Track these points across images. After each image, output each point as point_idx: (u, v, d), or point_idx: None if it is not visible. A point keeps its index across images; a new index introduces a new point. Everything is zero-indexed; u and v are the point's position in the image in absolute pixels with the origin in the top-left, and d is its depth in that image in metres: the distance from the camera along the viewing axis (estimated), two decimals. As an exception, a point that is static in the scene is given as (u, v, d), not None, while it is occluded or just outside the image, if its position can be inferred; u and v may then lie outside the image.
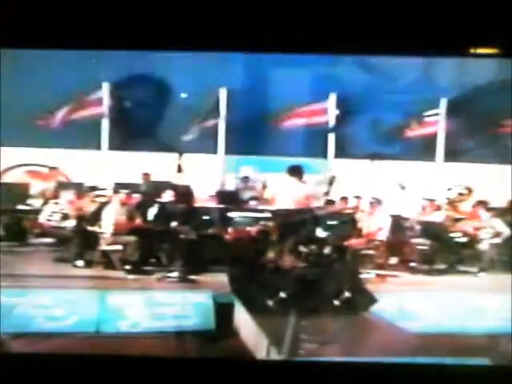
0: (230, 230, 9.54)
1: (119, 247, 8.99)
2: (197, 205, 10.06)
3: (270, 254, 8.71)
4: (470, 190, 10.85)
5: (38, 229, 9.41)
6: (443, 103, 12.49)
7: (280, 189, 8.81)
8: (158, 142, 11.35)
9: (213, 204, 10.21)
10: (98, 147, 12.45)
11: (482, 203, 10.35)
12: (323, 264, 9.20)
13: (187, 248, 8.98)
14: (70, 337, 6.65)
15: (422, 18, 5.81)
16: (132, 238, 8.98)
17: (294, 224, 8.78)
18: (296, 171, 8.71)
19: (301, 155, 11.38)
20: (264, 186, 11.19)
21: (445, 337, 6.83)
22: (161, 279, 8.48)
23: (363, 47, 6.16)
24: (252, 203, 10.40)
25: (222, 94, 12.52)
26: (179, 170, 9.26)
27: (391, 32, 5.92)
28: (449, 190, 11.03)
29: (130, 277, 8.59)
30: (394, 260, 9.64)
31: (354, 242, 9.52)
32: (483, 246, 9.80)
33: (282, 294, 6.80)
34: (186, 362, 5.81)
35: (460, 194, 10.84)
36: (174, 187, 9.71)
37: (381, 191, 10.36)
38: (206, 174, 11.60)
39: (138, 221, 9.38)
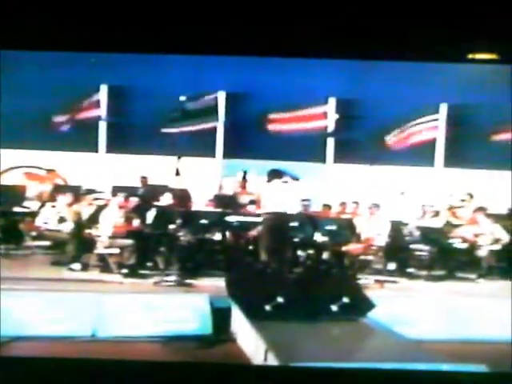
0: (227, 233, 9.52)
1: (116, 251, 8.94)
2: (194, 208, 10.03)
3: (266, 259, 8.67)
4: (471, 196, 10.84)
5: (34, 231, 9.36)
6: (443, 109, 12.49)
7: (264, 192, 8.86)
8: (156, 146, 11.34)
9: (210, 208, 10.17)
10: (96, 150, 12.43)
11: (481, 209, 10.33)
12: (321, 269, 9.18)
13: (184, 252, 8.95)
14: (66, 341, 6.61)
15: (421, 23, 5.81)
16: (129, 242, 8.95)
17: (285, 228, 8.79)
18: (275, 174, 8.77)
19: (299, 160, 11.37)
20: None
21: (442, 343, 6.80)
22: (158, 283, 8.44)
23: (363, 52, 6.16)
24: (250, 207, 10.37)
25: (221, 97, 12.51)
26: (177, 173, 9.22)
27: (391, 37, 5.92)
28: (450, 196, 11.02)
29: (127, 280, 8.56)
30: (392, 266, 9.60)
31: (352, 247, 9.50)
32: (482, 253, 9.78)
33: (280, 299, 6.75)
34: (183, 366, 5.78)
35: (462, 201, 10.83)
36: (171, 191, 9.68)
37: (380, 196, 10.35)
38: (203, 178, 11.58)
39: (136, 224, 9.34)
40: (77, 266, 8.87)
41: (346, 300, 6.94)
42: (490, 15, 5.80)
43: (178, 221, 8.89)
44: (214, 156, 12.60)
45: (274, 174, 8.84)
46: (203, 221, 9.30)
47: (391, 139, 12.33)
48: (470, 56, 6.16)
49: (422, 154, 12.42)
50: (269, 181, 8.84)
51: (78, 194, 10.27)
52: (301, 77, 11.10)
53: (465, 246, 9.90)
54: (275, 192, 8.74)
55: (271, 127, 12.30)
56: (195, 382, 5.32)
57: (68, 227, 9.28)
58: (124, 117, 12.45)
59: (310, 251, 9.59)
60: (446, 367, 5.49)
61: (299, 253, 9.50)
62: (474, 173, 11.97)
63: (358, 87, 11.76)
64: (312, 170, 12.06)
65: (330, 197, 11.36)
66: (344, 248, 9.49)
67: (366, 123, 12.05)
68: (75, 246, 9.01)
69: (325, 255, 9.61)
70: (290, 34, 5.93)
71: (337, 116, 12.63)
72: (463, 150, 12.27)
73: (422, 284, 9.30)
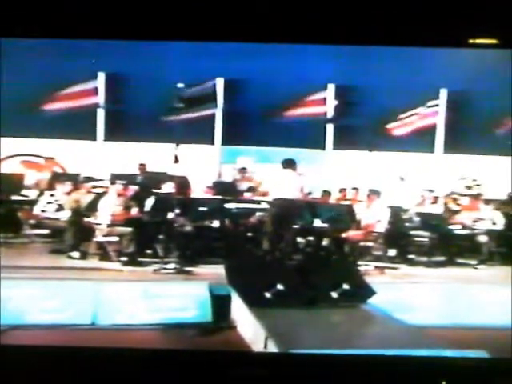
0: (226, 221, 9.49)
1: (115, 238, 8.92)
2: (193, 196, 10.01)
3: (267, 245, 8.67)
4: (477, 184, 10.84)
5: (33, 220, 9.34)
6: (443, 94, 12.44)
7: (275, 181, 8.85)
8: (154, 133, 11.31)
9: (209, 195, 10.14)
10: (94, 138, 12.39)
11: (481, 195, 10.32)
12: (321, 256, 9.17)
13: (184, 239, 8.92)
14: (66, 329, 6.60)
15: (422, 8, 5.77)
16: (128, 230, 8.92)
17: (291, 215, 8.78)
18: (290, 164, 8.77)
19: (299, 146, 11.34)
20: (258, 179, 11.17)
21: (443, 329, 6.80)
22: (157, 271, 8.42)
23: (363, 37, 6.11)
24: (249, 194, 10.35)
25: (219, 83, 12.45)
26: (176, 160, 9.16)
27: (391, 22, 5.88)
28: (455, 182, 11.02)
29: (126, 268, 8.54)
30: (392, 252, 9.59)
31: (352, 233, 9.47)
32: (482, 239, 9.75)
33: (280, 286, 6.74)
34: (183, 354, 5.77)
35: (467, 187, 10.84)
36: (170, 178, 9.65)
37: (380, 183, 10.32)
38: (202, 165, 11.56)
39: (135, 212, 9.31)
40: (76, 254, 8.86)
41: (346, 287, 6.93)
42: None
43: (177, 208, 8.86)
44: (212, 143, 12.57)
45: (289, 164, 8.83)
46: (202, 208, 9.27)
47: (391, 125, 12.29)
48: (471, 41, 6.11)
49: (421, 139, 12.39)
50: (284, 168, 8.83)
51: (76, 181, 10.24)
52: (300, 63, 11.06)
53: (465, 232, 9.90)
54: (279, 179, 8.75)
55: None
56: (195, 369, 5.31)
57: (66, 215, 9.25)
58: (122, 104, 12.41)
59: (310, 238, 9.57)
60: (446, 353, 5.49)
61: (299, 240, 9.47)
62: (474, 159, 11.95)
63: (358, 73, 11.72)
64: (311, 156, 12.04)
65: (329, 183, 11.34)
66: (344, 234, 9.47)
67: (366, 109, 12.01)
68: (74, 234, 8.98)
69: (325, 242, 9.59)
70: (289, 19, 5.88)
71: (336, 102, 12.59)
72: (463, 135, 12.24)
73: (423, 270, 9.28)
